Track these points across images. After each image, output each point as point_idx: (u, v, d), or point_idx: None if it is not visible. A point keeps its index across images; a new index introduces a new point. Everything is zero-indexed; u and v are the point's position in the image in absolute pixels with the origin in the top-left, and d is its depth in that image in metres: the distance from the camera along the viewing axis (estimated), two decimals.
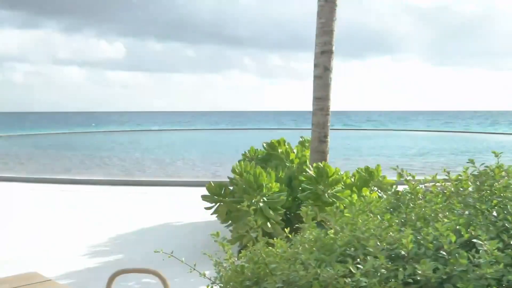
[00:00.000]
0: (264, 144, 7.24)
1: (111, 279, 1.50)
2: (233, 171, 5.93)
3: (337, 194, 5.54)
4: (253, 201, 5.50)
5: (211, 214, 6.07)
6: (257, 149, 7.51)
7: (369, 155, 21.75)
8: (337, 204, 5.30)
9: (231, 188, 5.98)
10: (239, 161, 6.73)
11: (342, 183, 5.72)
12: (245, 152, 7.48)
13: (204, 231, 7.05)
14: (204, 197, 6.02)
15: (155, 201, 9.94)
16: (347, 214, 3.02)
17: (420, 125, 61.62)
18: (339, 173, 5.82)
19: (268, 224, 5.44)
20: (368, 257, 2.29)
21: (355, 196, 5.56)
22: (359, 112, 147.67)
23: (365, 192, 5.79)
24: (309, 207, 3.19)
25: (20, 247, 6.44)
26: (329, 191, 5.57)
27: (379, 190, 6.03)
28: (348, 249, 2.58)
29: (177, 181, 12.71)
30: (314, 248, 2.70)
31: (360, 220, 2.71)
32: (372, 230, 2.58)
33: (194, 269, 3.06)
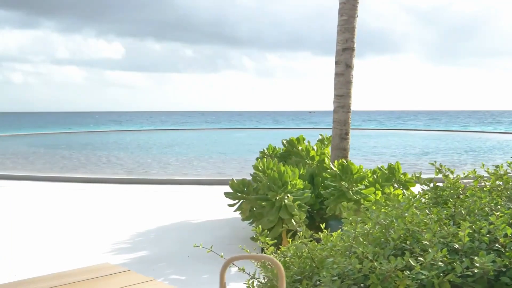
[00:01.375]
0: (284, 141, 7.24)
1: (225, 265, 1.50)
2: (256, 168, 5.93)
3: (362, 191, 5.54)
4: (277, 198, 5.50)
5: (234, 211, 6.05)
6: (275, 147, 7.51)
7: (373, 154, 21.72)
8: (362, 201, 5.30)
9: (254, 185, 5.97)
10: (260, 158, 6.73)
11: (366, 181, 5.73)
12: (263, 149, 7.47)
13: (225, 228, 7.04)
14: (226, 194, 6.01)
15: (168, 200, 9.93)
16: (383, 210, 3.03)
17: (420, 125, 61.65)
18: (362, 170, 5.82)
19: (293, 221, 5.44)
20: (430, 250, 2.30)
21: (379, 193, 5.57)
22: (358, 111, 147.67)
23: (387, 189, 5.80)
24: (351, 203, 3.22)
25: (45, 246, 6.43)
26: (353, 188, 5.57)
27: (401, 187, 6.05)
28: (400, 242, 2.59)
29: (187, 179, 12.72)
30: (365, 242, 2.71)
31: (407, 214, 2.72)
32: (422, 224, 2.60)
33: (234, 264, 3.07)
